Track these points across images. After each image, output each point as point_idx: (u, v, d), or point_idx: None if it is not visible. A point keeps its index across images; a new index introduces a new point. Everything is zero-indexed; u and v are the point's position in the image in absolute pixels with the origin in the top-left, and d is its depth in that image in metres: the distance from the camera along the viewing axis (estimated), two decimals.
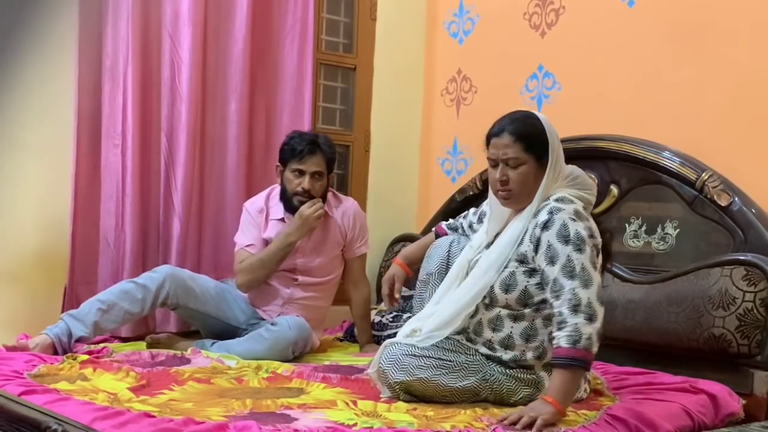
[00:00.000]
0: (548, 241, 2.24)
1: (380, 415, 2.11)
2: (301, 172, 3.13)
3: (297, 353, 3.00)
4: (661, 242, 3.05)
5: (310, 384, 2.52)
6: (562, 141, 3.36)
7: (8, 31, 3.11)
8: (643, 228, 3.11)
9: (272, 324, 3.02)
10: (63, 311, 3.04)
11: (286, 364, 2.78)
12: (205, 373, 2.58)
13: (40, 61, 3.18)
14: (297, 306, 3.17)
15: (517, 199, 2.35)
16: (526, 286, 2.30)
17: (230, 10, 3.51)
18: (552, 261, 2.22)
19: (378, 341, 3.35)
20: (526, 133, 2.34)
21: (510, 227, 2.36)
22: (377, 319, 3.46)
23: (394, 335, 2.69)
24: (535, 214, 2.30)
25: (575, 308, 2.14)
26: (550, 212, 2.27)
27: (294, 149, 3.13)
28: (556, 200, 2.30)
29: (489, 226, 2.46)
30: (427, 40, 4.20)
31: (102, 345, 2.92)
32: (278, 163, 3.23)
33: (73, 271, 3.23)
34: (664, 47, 3.19)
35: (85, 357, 2.68)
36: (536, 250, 2.26)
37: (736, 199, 2.86)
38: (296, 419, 2.04)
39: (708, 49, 3.06)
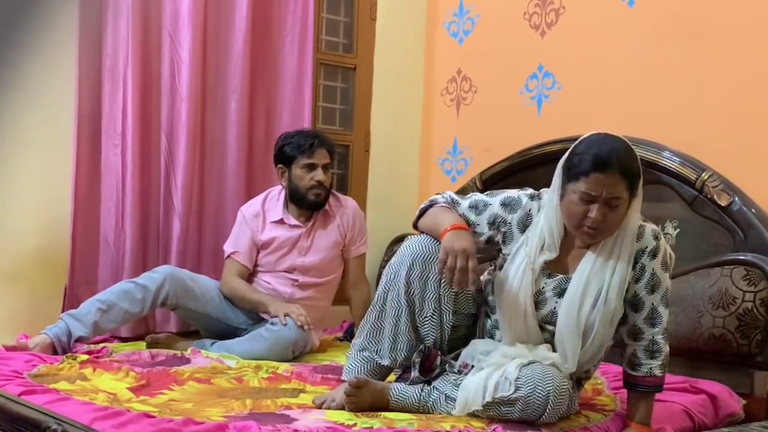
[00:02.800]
0: (653, 269, 2.14)
1: (380, 415, 2.11)
2: (313, 166, 3.15)
3: (297, 353, 3.00)
4: None
5: (309, 384, 2.52)
6: (563, 141, 3.40)
7: (8, 30, 3.11)
8: None
9: (272, 324, 3.02)
10: (63, 311, 3.04)
11: (286, 364, 2.78)
12: (205, 373, 2.58)
13: (40, 60, 3.18)
14: (298, 306, 3.17)
15: (603, 237, 2.11)
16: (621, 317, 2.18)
17: (230, 10, 3.51)
18: (653, 290, 2.16)
19: None
20: (632, 172, 2.06)
21: (604, 267, 2.11)
22: None
23: None
24: (636, 239, 2.13)
25: (666, 338, 2.20)
26: (656, 237, 2.14)
27: (300, 145, 3.16)
28: (644, 219, 2.16)
29: (533, 251, 2.15)
30: (427, 40, 4.20)
31: (102, 345, 2.92)
32: (280, 165, 3.22)
33: (73, 271, 3.23)
34: (664, 47, 3.19)
35: (85, 357, 2.68)
36: (639, 279, 2.14)
37: (736, 199, 2.86)
38: (296, 419, 2.03)
39: (708, 49, 3.06)
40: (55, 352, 2.76)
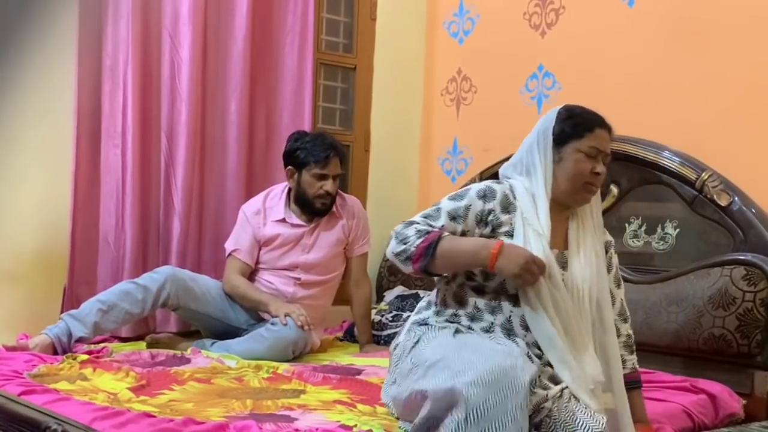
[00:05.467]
0: (616, 264, 2.25)
1: (379, 416, 2.11)
2: (325, 177, 3.15)
3: (297, 353, 3.00)
4: (661, 242, 3.05)
5: (309, 384, 2.52)
6: None
7: (8, 30, 3.11)
8: (643, 228, 3.11)
9: (272, 324, 3.02)
10: (63, 311, 3.04)
11: (286, 364, 2.78)
12: (205, 373, 2.57)
13: (40, 60, 3.18)
14: (298, 306, 3.17)
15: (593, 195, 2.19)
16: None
17: (230, 10, 3.51)
18: (619, 285, 2.25)
19: (378, 341, 3.36)
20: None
21: (587, 243, 2.14)
22: (377, 318, 3.46)
23: (393, 335, 2.67)
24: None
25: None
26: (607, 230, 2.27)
27: (317, 155, 3.15)
28: None
29: (540, 228, 2.07)
30: (427, 40, 4.20)
31: (102, 345, 2.92)
32: (290, 167, 3.22)
33: (73, 271, 3.23)
34: (664, 47, 3.19)
35: (85, 357, 2.68)
36: (609, 270, 2.21)
37: (736, 199, 2.86)
38: (296, 419, 2.03)
39: (708, 49, 3.06)
40: (55, 352, 2.75)
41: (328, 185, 3.16)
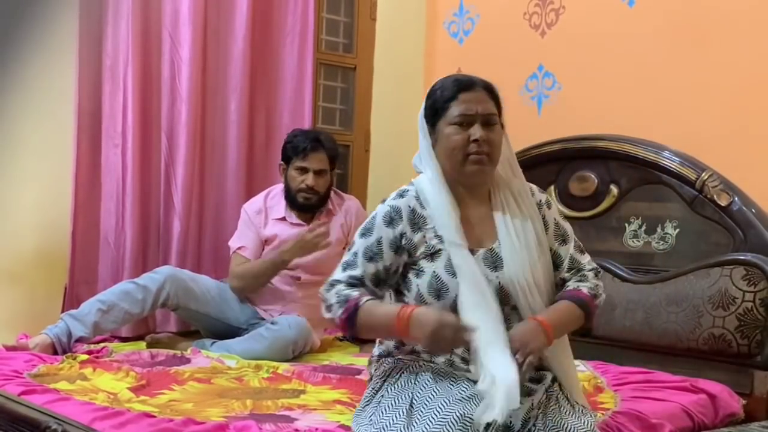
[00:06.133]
0: (555, 219, 2.03)
1: None
2: (305, 170, 3.15)
3: (297, 353, 3.00)
4: (661, 242, 3.05)
5: (309, 384, 2.52)
6: (563, 141, 3.40)
7: (9, 30, 3.11)
8: (643, 228, 3.11)
9: (272, 323, 3.02)
10: (63, 311, 3.04)
11: (286, 364, 2.78)
12: (205, 373, 2.58)
13: (40, 60, 3.18)
14: (298, 305, 3.17)
15: (492, 167, 1.96)
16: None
17: (230, 10, 3.51)
18: (564, 240, 2.02)
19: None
20: (495, 91, 1.99)
21: (518, 230, 1.95)
22: None
23: None
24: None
25: (596, 273, 2.02)
26: (540, 191, 2.06)
27: (297, 147, 3.16)
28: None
29: (447, 233, 1.91)
30: (427, 40, 4.20)
31: (102, 345, 2.92)
32: (281, 162, 3.24)
33: (73, 271, 3.23)
34: (664, 47, 3.19)
35: (85, 357, 2.68)
36: (545, 231, 2.00)
37: (736, 199, 2.86)
38: (296, 420, 2.04)
39: (708, 49, 3.06)
40: (55, 352, 2.75)
41: (309, 179, 3.14)
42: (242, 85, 3.52)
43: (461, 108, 1.92)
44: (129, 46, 3.26)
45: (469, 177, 1.95)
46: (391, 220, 1.95)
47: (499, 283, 1.92)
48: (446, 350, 1.88)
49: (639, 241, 3.11)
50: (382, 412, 1.83)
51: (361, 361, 2.96)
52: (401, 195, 1.99)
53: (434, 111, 1.96)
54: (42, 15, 3.18)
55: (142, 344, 3.10)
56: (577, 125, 3.36)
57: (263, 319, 3.14)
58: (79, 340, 2.84)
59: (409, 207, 1.96)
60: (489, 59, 3.89)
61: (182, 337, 3.25)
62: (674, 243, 3.01)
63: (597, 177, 3.23)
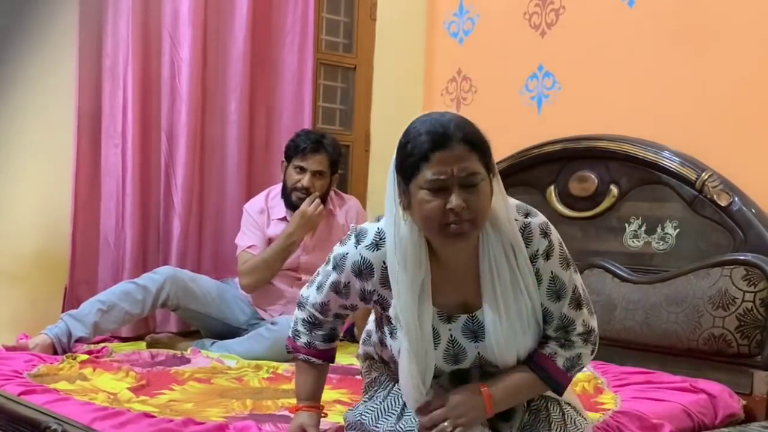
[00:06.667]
0: (551, 272, 1.73)
1: None
2: (303, 169, 3.15)
3: None
4: (661, 242, 3.05)
5: None
6: (563, 141, 3.40)
7: (8, 30, 3.11)
8: (643, 228, 3.11)
9: (272, 324, 3.02)
10: (63, 311, 3.04)
11: (286, 364, 2.77)
12: (205, 373, 2.58)
13: (40, 60, 3.18)
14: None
15: (477, 231, 1.67)
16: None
17: (230, 10, 3.51)
18: (559, 296, 1.75)
19: None
20: (480, 140, 1.69)
21: (506, 298, 1.71)
22: None
23: None
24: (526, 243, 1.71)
25: (586, 338, 1.79)
26: (544, 234, 1.72)
27: (298, 146, 3.16)
28: (526, 213, 1.74)
29: (407, 294, 1.69)
30: (427, 40, 4.19)
31: (102, 345, 2.92)
32: (283, 159, 3.25)
33: (73, 271, 3.23)
34: (664, 47, 3.19)
35: (85, 357, 2.68)
36: (538, 285, 1.74)
37: (736, 199, 2.86)
38: None
39: (708, 48, 3.06)
40: (55, 352, 2.75)
41: (305, 179, 3.14)
42: (242, 85, 3.52)
43: (434, 171, 1.62)
44: (129, 46, 3.26)
45: (449, 245, 1.69)
46: (360, 272, 1.76)
47: (479, 353, 1.76)
48: None
49: (639, 241, 3.11)
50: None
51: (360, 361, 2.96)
52: (376, 245, 1.74)
53: (404, 170, 1.67)
54: (42, 15, 3.18)
55: (142, 344, 3.10)
56: (577, 125, 3.36)
57: (263, 319, 3.14)
58: (79, 340, 2.84)
59: (381, 266, 1.73)
60: (489, 59, 3.90)
61: (182, 337, 3.25)
62: (674, 243, 3.01)
63: (597, 177, 3.23)
